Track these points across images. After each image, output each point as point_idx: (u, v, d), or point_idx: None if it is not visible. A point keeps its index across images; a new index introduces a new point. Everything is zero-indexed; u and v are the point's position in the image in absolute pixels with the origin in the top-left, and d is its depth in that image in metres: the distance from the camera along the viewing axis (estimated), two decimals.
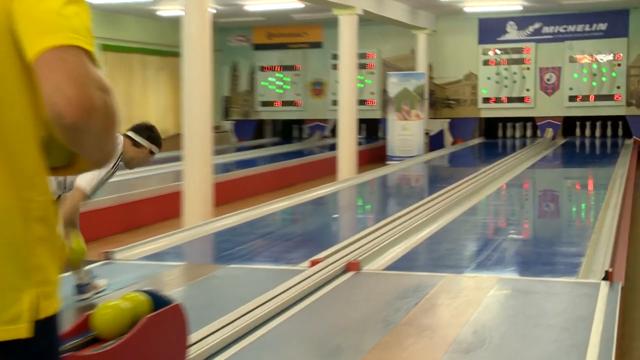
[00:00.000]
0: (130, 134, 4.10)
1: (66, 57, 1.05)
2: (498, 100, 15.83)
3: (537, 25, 15.50)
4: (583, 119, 16.15)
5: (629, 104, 15.10)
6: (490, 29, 15.71)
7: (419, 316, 3.70)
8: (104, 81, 1.10)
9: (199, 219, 6.70)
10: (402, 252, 5.44)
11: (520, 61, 15.64)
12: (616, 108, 15.14)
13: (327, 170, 12.50)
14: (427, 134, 15.19)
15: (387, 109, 14.62)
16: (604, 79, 15.13)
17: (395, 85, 14.37)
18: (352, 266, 4.74)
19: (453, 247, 5.71)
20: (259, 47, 17.34)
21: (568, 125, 16.30)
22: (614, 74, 15.07)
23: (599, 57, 15.15)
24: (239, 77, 17.62)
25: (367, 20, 13.18)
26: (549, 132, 15.73)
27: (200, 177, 6.96)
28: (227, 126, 17.43)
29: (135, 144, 4.08)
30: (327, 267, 4.67)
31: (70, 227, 3.95)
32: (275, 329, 3.53)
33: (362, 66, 15.88)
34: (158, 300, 3.01)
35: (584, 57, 15.24)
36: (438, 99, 16.31)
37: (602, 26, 15.10)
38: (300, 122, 18.02)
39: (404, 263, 5.14)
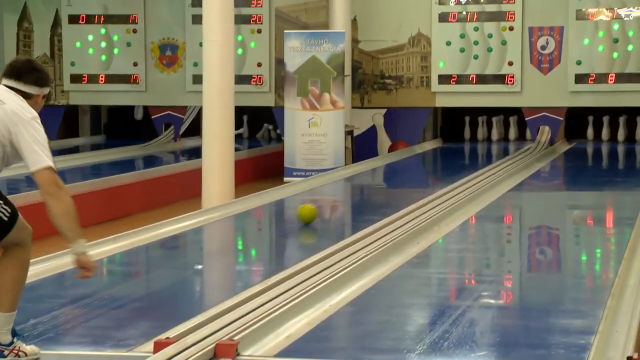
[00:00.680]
0: (12, 83, 4.74)
1: None
2: (463, 79, 16.29)
3: None
4: (598, 112, 16.84)
5: None
6: None
7: None
8: None
9: None
10: (305, 327, 5.53)
11: (499, 17, 16.19)
12: None
13: (186, 192, 12.50)
14: (349, 133, 15.46)
15: (285, 91, 14.81)
16: (630, 47, 15.83)
17: (297, 52, 14.57)
18: (224, 350, 4.79)
19: (388, 319, 5.85)
20: None
21: (574, 121, 16.97)
22: None
23: (623, 11, 15.86)
24: (32, 33, 17.40)
25: None
26: (545, 133, 16.31)
27: None
28: None
29: (26, 95, 4.72)
30: (182, 352, 4.72)
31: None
32: None
33: (242, 20, 16.03)
34: None
35: (600, 11, 15.93)
36: (367, 77, 16.66)
37: None
38: (139, 112, 17.95)
39: (310, 345, 5.22)
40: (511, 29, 16.05)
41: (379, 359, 4.82)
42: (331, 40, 14.56)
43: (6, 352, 4.77)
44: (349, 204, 12.22)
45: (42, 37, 17.37)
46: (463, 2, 16.20)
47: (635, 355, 4.63)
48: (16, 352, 4.80)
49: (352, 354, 5.09)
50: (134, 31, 17.08)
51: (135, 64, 17.08)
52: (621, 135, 16.86)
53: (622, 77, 15.76)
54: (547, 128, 16.29)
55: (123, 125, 18.39)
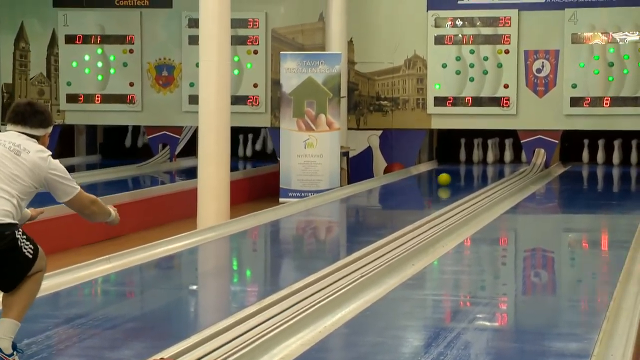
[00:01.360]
0: (20, 129, 5.11)
1: None
2: (459, 101, 16.35)
3: None
4: (594, 136, 16.90)
5: None
6: None
7: None
8: None
9: None
10: (301, 347, 5.53)
11: (494, 39, 16.27)
12: None
13: (181, 212, 12.50)
14: (345, 154, 15.49)
15: (281, 112, 14.83)
16: (625, 70, 15.92)
17: (293, 73, 14.61)
18: None
19: (383, 341, 5.85)
20: (63, 1, 17.25)
21: (570, 144, 17.03)
22: None
23: (618, 35, 15.96)
24: (28, 52, 17.43)
25: None
26: (540, 156, 16.35)
27: None
28: None
29: (33, 137, 5.13)
30: None
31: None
32: None
33: (238, 40, 16.09)
34: None
35: (595, 35, 16.01)
36: (363, 98, 16.70)
37: None
38: (135, 132, 17.96)
39: None
40: (507, 52, 16.11)
41: None
42: (327, 62, 14.60)
43: None
44: (345, 225, 12.22)
45: (38, 57, 17.39)
46: (459, 25, 16.26)
47: None
48: None
49: None
50: (131, 51, 17.11)
51: (131, 84, 17.09)
52: (616, 158, 16.91)
53: (617, 101, 15.83)
54: (542, 151, 16.31)
55: (119, 145, 18.40)
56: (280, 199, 14.01)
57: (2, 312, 5.06)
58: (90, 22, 17.15)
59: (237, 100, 14.95)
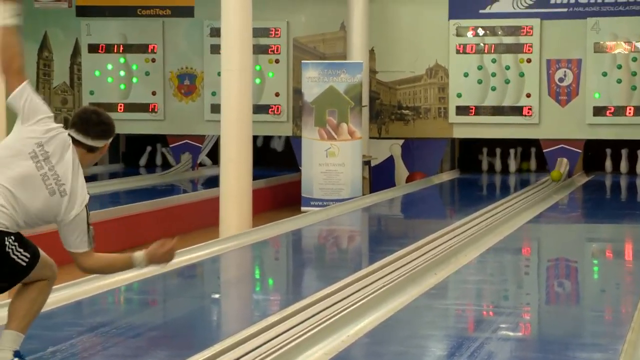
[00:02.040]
0: (80, 138, 4.99)
1: None
2: (481, 111, 16.32)
3: None
4: (616, 145, 16.82)
5: None
6: None
7: None
8: None
9: None
10: (322, 356, 5.52)
11: (516, 49, 16.24)
12: None
13: (203, 221, 12.51)
14: (367, 163, 15.48)
15: (302, 121, 14.84)
16: None
17: (314, 82, 14.62)
18: None
19: (406, 350, 5.83)
20: (86, 11, 17.33)
21: (593, 154, 16.94)
22: None
23: None
24: (52, 62, 17.52)
25: None
26: (563, 165, 16.29)
27: None
28: None
29: (91, 149, 5.04)
30: None
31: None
32: None
33: (260, 49, 16.11)
34: None
35: (618, 44, 15.96)
36: (385, 107, 16.70)
37: None
38: (157, 140, 18.02)
39: None
40: (529, 61, 16.08)
41: None
42: (349, 71, 14.61)
43: None
44: (367, 234, 12.21)
45: (61, 66, 17.47)
46: (481, 34, 16.24)
47: None
48: None
49: None
50: (153, 60, 17.17)
51: (153, 93, 17.15)
52: None
53: None
54: (565, 160, 16.25)
55: (141, 154, 18.46)
56: (302, 208, 14.02)
57: (6, 323, 5.05)
58: (112, 32, 17.22)
59: (258, 109, 14.95)
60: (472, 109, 16.25)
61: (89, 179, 15.94)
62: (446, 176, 16.81)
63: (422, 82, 16.57)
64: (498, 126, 16.23)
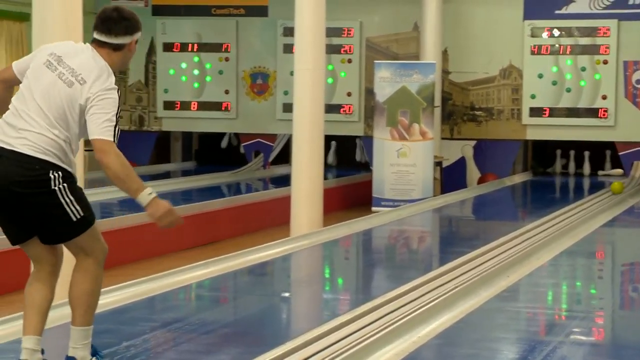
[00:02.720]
0: (104, 38, 4.80)
1: None
2: (555, 112, 16.17)
3: None
4: None
5: None
6: None
7: None
8: None
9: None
10: (393, 357, 5.51)
11: (592, 50, 16.07)
12: None
13: (274, 220, 12.57)
14: (438, 164, 15.43)
15: (374, 121, 14.84)
16: None
17: (387, 82, 14.60)
18: None
19: (477, 353, 5.81)
20: (162, 10, 17.50)
21: None
22: None
23: None
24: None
25: None
26: (639, 168, 16.09)
27: None
28: None
29: (118, 47, 4.83)
30: None
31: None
32: None
33: (333, 49, 16.13)
34: None
35: None
36: (457, 108, 16.63)
37: None
38: (229, 139, 18.14)
39: None
40: (605, 62, 15.90)
41: None
42: (421, 71, 14.56)
43: None
44: (437, 235, 12.18)
45: (137, 64, 17.66)
46: (556, 35, 16.09)
47: None
48: None
49: None
50: (226, 59, 17.28)
51: (226, 92, 17.27)
52: None
53: None
54: None
55: (213, 152, 18.60)
56: (373, 208, 14.01)
57: (71, 320, 4.94)
58: (187, 31, 17.37)
59: (330, 108, 14.99)
60: (546, 110, 16.12)
61: (163, 176, 16.21)
62: (519, 178, 16.68)
63: (495, 83, 16.47)
64: (572, 128, 16.07)
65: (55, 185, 4.59)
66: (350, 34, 16.71)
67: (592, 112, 15.99)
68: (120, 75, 17.71)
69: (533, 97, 16.20)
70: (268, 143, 17.36)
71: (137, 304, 6.83)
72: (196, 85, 17.36)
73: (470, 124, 16.60)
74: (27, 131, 4.59)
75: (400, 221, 12.00)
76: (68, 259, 4.89)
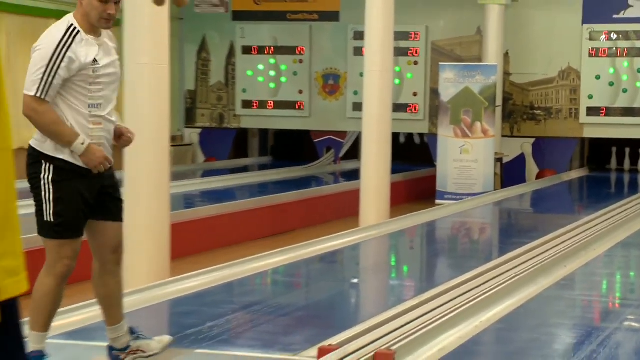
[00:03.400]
0: None
1: None
2: (612, 112, 15.98)
3: None
4: None
5: None
6: (602, 1, 15.95)
7: None
8: None
9: (148, 278, 6.81)
10: (457, 340, 5.51)
11: None
12: None
13: (344, 211, 12.60)
14: (499, 160, 15.35)
15: (438, 119, 14.80)
16: None
17: (451, 83, 14.56)
18: (382, 359, 4.83)
19: (537, 337, 5.78)
20: (241, 16, 17.60)
21: None
22: None
23: None
24: (209, 62, 17.85)
25: None
26: None
27: (149, 215, 7.09)
28: (191, 137, 17.61)
29: None
30: (344, 358, 4.75)
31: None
32: None
33: (400, 52, 16.10)
34: None
35: None
36: (517, 107, 16.50)
37: None
38: (303, 135, 18.19)
39: (462, 358, 5.21)
40: None
41: None
42: (484, 73, 14.50)
43: (122, 356, 4.76)
44: (498, 227, 12.12)
45: (218, 66, 17.79)
46: (614, 38, 15.88)
47: None
48: (133, 352, 4.79)
49: None
50: (300, 61, 17.34)
51: (300, 92, 17.32)
52: None
53: None
54: None
55: (288, 148, 18.68)
56: (437, 201, 13.98)
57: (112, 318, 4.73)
58: (264, 35, 17.45)
59: (397, 107, 14.95)
60: (602, 110, 15.93)
61: (241, 170, 16.33)
62: (575, 174, 16.52)
63: (554, 84, 16.31)
64: (628, 127, 15.86)
65: (42, 179, 4.42)
66: (416, 37, 16.66)
67: None
68: (202, 75, 17.88)
69: (590, 97, 16.01)
70: (339, 140, 17.39)
71: (217, 288, 6.91)
72: (272, 85, 17.45)
73: (530, 122, 16.46)
74: None
75: (462, 213, 11.96)
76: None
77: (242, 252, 8.79)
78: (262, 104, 17.45)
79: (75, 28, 4.44)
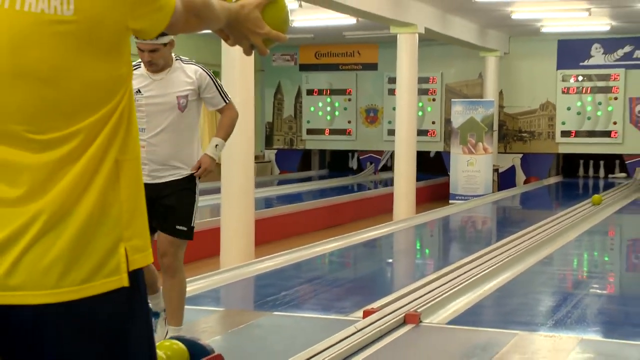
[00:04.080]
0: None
1: None
2: (579, 134, 15.72)
3: (627, 49, 15.42)
4: None
5: None
6: (571, 52, 15.69)
7: None
8: None
9: (239, 259, 6.83)
10: (466, 304, 5.46)
11: (606, 90, 15.55)
12: None
13: (381, 209, 12.55)
14: (496, 170, 15.16)
15: (451, 141, 14.67)
16: None
17: (460, 114, 14.42)
18: (410, 318, 4.78)
19: (526, 302, 5.69)
20: (305, 67, 17.63)
21: None
22: None
23: None
24: (283, 101, 17.91)
25: (429, 40, 13.33)
26: None
27: (239, 213, 7.11)
28: (270, 156, 17.68)
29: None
30: (382, 318, 4.72)
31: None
32: None
33: (422, 92, 16.00)
34: (197, 350, 3.10)
35: None
36: (509, 131, 16.30)
37: None
38: (351, 154, 18.18)
39: (469, 317, 5.16)
40: (616, 98, 15.42)
41: (520, 329, 4.66)
42: (484, 106, 14.37)
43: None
44: (495, 219, 11.97)
45: (289, 104, 17.83)
46: (580, 80, 15.65)
47: None
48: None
49: (499, 325, 4.97)
50: (349, 100, 17.30)
51: (349, 122, 17.29)
52: None
53: None
54: None
55: (340, 163, 18.66)
56: (450, 201, 13.86)
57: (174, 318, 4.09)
58: (322, 80, 17.45)
59: (420, 132, 14.86)
60: (572, 132, 15.70)
61: (306, 179, 16.32)
62: (553, 180, 16.28)
63: (536, 113, 16.10)
64: (592, 145, 15.62)
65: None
66: (434, 81, 16.55)
67: (606, 134, 15.50)
68: (278, 111, 17.93)
69: (563, 123, 15.78)
70: (377, 157, 17.32)
71: (289, 267, 6.92)
72: (328, 117, 17.44)
73: (519, 142, 16.25)
74: None
75: (469, 210, 11.85)
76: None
77: (307, 240, 8.80)
78: (321, 131, 17.45)
79: (140, 63, 3.93)
